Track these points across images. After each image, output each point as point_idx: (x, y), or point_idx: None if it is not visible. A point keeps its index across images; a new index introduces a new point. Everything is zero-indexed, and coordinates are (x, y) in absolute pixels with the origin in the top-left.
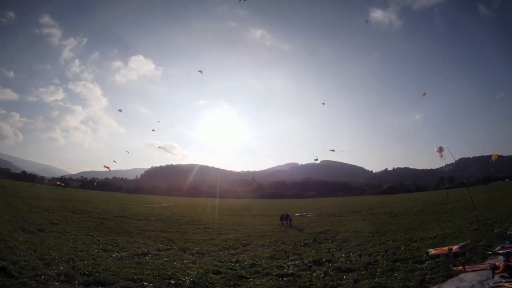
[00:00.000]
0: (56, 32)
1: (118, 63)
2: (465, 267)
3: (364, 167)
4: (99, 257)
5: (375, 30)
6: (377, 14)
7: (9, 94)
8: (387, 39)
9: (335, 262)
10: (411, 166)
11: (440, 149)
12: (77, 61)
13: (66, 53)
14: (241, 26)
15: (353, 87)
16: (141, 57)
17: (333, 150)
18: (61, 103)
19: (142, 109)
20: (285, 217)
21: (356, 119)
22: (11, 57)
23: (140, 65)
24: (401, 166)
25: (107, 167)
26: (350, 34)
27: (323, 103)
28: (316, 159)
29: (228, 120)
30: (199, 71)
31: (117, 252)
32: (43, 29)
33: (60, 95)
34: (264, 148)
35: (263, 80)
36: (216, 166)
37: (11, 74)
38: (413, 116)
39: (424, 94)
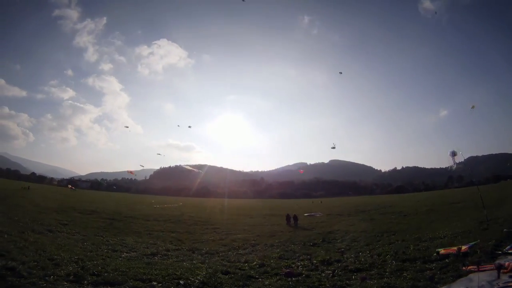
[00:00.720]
0: (71, 13)
1: (142, 49)
2: (475, 267)
3: (373, 167)
4: (108, 257)
5: (424, 23)
6: (426, 5)
7: (17, 91)
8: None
9: (344, 262)
10: (420, 165)
11: (453, 154)
12: (92, 49)
13: (81, 39)
14: (287, 10)
15: (376, 86)
16: (169, 42)
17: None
18: (73, 102)
19: (168, 105)
20: (291, 217)
21: (368, 118)
22: (17, 47)
23: (168, 52)
24: (410, 165)
25: (131, 172)
26: (398, 27)
27: (340, 72)
28: (334, 147)
29: (244, 118)
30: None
31: (126, 253)
32: (56, 10)
33: (71, 92)
34: (273, 148)
35: (301, 73)
36: (224, 166)
37: (18, 67)
38: (427, 115)
39: (473, 107)
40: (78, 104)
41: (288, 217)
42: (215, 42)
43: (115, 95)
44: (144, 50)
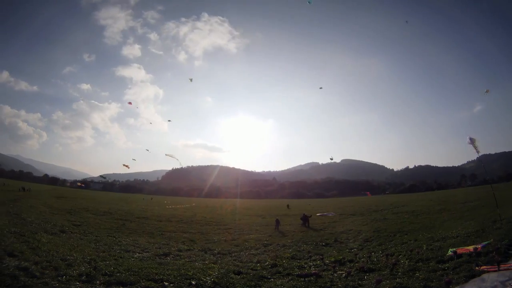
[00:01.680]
0: None
1: (178, 27)
2: (488, 266)
3: (385, 166)
4: (120, 257)
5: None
6: None
7: (24, 86)
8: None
9: (357, 262)
10: (432, 164)
11: (472, 140)
12: (115, 28)
13: (102, 14)
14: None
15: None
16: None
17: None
18: (88, 99)
19: (207, 99)
20: (307, 218)
21: (379, 117)
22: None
23: (212, 29)
24: (422, 164)
25: (126, 166)
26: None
27: (321, 88)
28: (331, 158)
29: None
30: (189, 79)
31: (139, 253)
32: None
33: (86, 86)
34: (286, 148)
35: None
36: (236, 167)
37: (26, 58)
38: (440, 114)
39: (487, 91)
40: (94, 101)
41: (304, 218)
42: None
43: (141, 87)
44: (182, 27)
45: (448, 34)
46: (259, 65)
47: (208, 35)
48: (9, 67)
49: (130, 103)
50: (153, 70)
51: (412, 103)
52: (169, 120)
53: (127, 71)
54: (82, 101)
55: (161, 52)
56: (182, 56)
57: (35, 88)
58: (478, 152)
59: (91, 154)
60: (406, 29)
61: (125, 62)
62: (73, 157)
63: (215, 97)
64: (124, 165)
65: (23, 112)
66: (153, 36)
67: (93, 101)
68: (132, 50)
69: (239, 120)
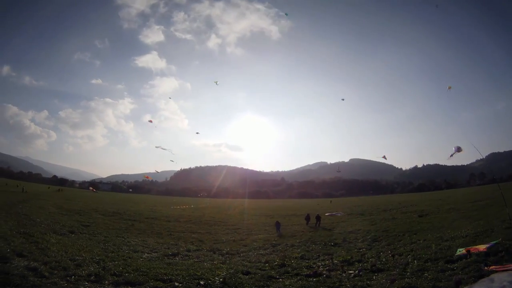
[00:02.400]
0: None
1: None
2: (498, 266)
3: (394, 165)
4: (129, 257)
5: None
6: None
7: (28, 81)
8: None
9: (365, 262)
10: (441, 163)
11: (458, 150)
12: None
13: None
14: None
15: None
16: None
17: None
18: (99, 96)
19: (239, 93)
20: (315, 217)
21: (386, 114)
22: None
23: (251, 9)
24: (431, 162)
25: (147, 177)
26: None
27: (343, 99)
28: (339, 171)
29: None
30: (214, 82)
31: (148, 253)
32: None
33: (97, 80)
34: (294, 148)
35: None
36: (245, 167)
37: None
38: (448, 114)
39: (450, 88)
40: (107, 99)
41: (307, 217)
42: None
43: (162, 79)
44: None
45: (457, 30)
46: (298, 54)
47: (246, 16)
48: (10, 61)
49: (151, 121)
50: (177, 59)
51: (421, 102)
52: (197, 133)
53: (145, 60)
54: (94, 99)
55: (188, 36)
56: (212, 42)
57: (41, 83)
58: (450, 157)
59: (102, 155)
60: (417, 27)
61: (144, 49)
62: (82, 158)
63: (247, 91)
64: (146, 176)
65: (30, 112)
66: (179, 16)
67: (107, 99)
68: (153, 34)
69: (253, 119)
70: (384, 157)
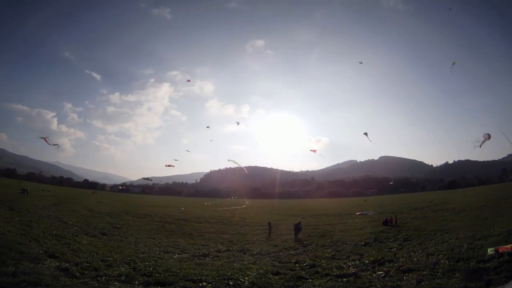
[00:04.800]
0: None
1: None
2: None
3: (424, 161)
4: (160, 258)
5: None
6: None
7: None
8: None
9: (396, 262)
10: (472, 158)
11: (488, 137)
12: None
13: None
14: None
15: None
16: None
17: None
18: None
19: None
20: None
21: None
22: None
23: None
24: (462, 158)
25: (171, 165)
26: None
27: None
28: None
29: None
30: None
31: (178, 254)
32: None
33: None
34: (324, 147)
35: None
36: (274, 167)
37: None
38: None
39: (454, 63)
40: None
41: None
42: None
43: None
44: None
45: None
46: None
47: None
48: None
49: (189, 80)
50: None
51: (450, 97)
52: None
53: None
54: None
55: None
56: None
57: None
58: (479, 146)
59: (132, 158)
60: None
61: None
62: (112, 162)
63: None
64: (167, 165)
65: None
66: None
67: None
68: None
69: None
70: (365, 133)
